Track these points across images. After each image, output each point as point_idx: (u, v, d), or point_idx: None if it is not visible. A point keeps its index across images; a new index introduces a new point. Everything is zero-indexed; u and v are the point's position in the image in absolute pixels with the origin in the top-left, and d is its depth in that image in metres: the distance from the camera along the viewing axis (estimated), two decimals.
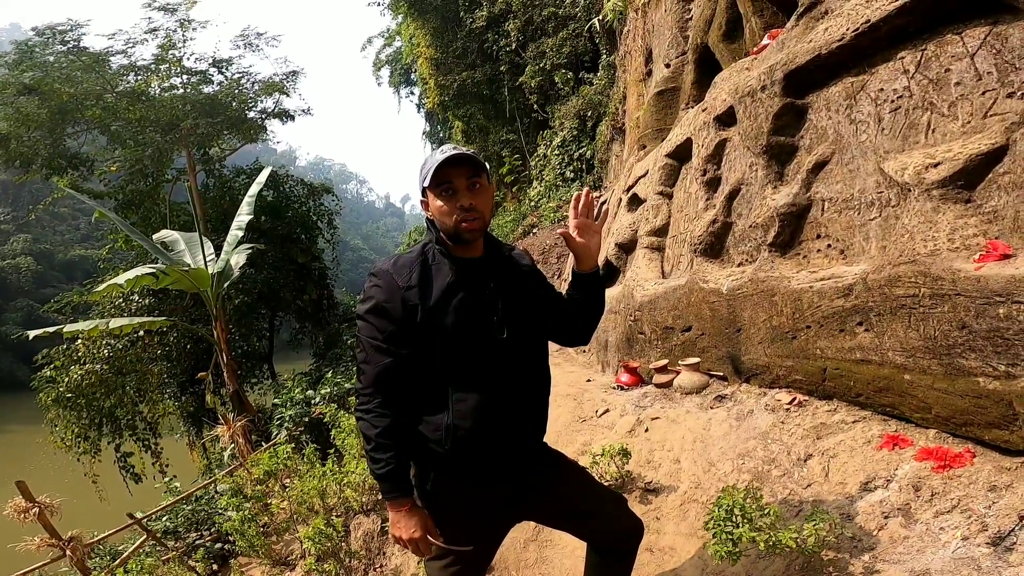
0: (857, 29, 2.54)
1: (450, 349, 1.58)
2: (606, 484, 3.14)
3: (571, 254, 1.82)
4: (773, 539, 1.87)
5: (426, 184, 1.59)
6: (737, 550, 1.91)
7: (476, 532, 1.68)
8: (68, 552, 4.16)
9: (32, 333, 8.15)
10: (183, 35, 13.19)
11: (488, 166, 1.66)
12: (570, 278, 1.82)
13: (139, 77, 13.32)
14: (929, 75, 2.30)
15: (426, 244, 1.65)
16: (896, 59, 2.45)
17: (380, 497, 4.05)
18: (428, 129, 32.58)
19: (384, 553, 3.69)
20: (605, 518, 1.81)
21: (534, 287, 1.78)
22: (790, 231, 3.04)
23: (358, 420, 1.61)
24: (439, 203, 1.58)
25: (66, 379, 11.46)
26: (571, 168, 16.33)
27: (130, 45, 13.08)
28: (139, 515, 4.96)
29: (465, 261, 1.63)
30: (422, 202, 1.66)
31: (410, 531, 1.60)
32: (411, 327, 1.55)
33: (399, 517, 1.61)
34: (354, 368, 1.62)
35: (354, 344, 1.79)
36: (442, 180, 1.56)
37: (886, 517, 2.01)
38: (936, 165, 2.15)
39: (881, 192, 2.47)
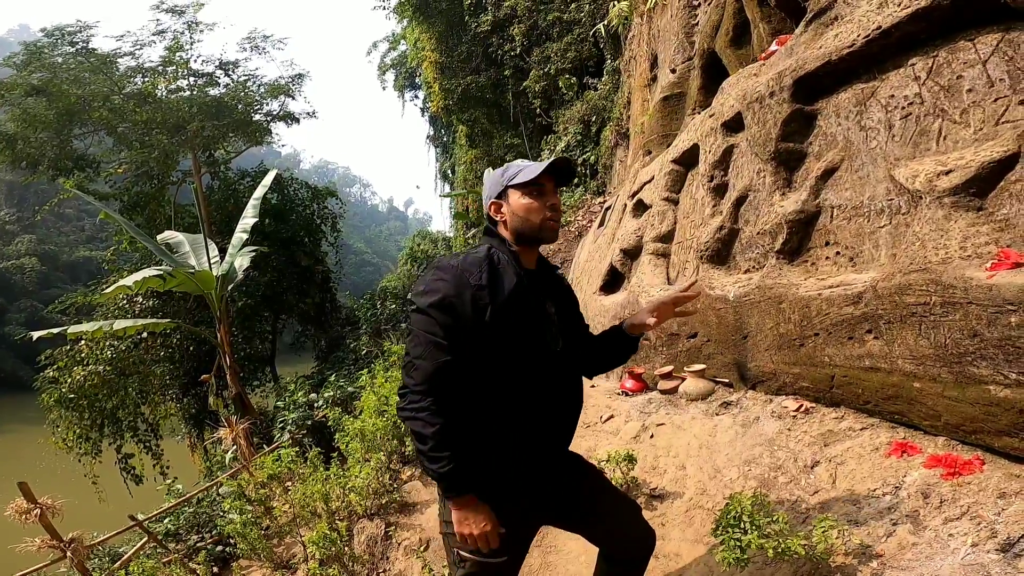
0: (868, 35, 2.55)
1: (509, 355, 1.57)
2: None
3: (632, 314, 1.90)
4: (782, 546, 1.86)
5: (518, 182, 1.64)
6: (745, 557, 1.90)
7: (511, 541, 1.67)
8: (69, 554, 4.14)
9: (36, 334, 8.13)
10: (190, 37, 13.25)
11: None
12: (613, 328, 1.91)
13: (146, 79, 13.36)
14: (941, 81, 2.30)
15: (490, 247, 1.66)
16: (907, 65, 2.45)
17: (384, 502, 4.06)
18: (432, 133, 32.66)
19: (387, 558, 3.68)
20: (621, 520, 1.82)
21: (574, 307, 1.86)
22: (798, 238, 3.04)
23: (408, 419, 1.55)
24: (527, 200, 1.63)
25: (69, 380, 11.45)
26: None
27: (138, 47, 13.12)
28: (140, 517, 4.95)
29: (528, 271, 1.67)
30: (494, 203, 1.70)
31: (480, 525, 1.57)
32: (477, 327, 1.53)
33: (466, 513, 1.58)
34: (399, 365, 1.63)
35: (406, 337, 1.75)
36: (538, 180, 1.62)
37: (894, 524, 2.00)
38: (948, 172, 2.15)
39: (891, 199, 2.47)
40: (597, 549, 1.92)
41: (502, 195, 1.68)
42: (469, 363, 1.54)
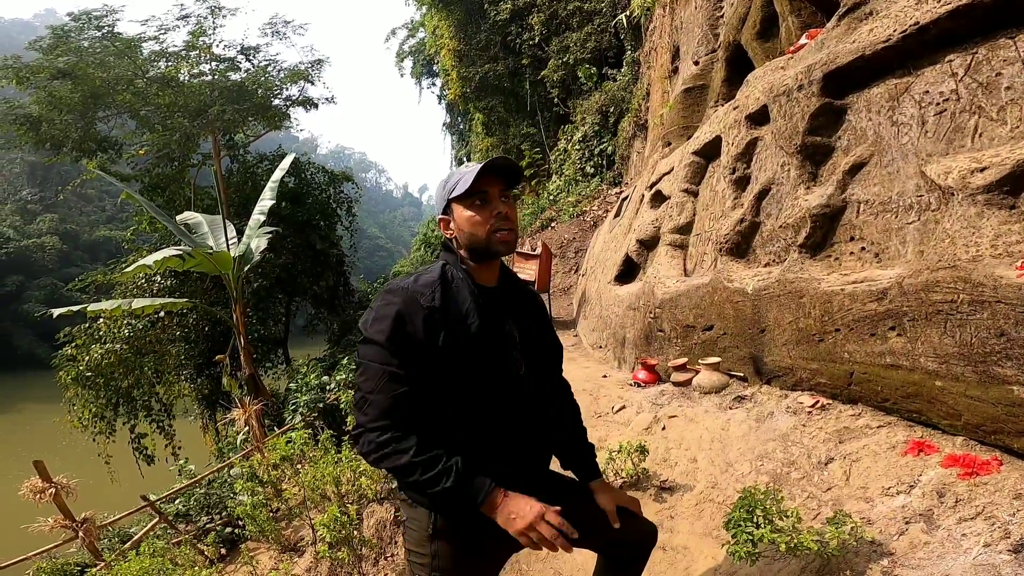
0: (905, 31, 2.50)
1: (466, 382, 1.45)
2: (622, 481, 3.12)
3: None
4: (795, 541, 1.84)
5: (457, 194, 1.47)
6: (756, 551, 1.89)
7: (482, 569, 1.60)
8: (81, 534, 4.16)
9: (56, 312, 8.24)
10: (213, 22, 13.32)
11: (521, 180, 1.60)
12: (584, 458, 1.83)
13: (169, 63, 13.48)
14: (979, 78, 2.25)
15: (445, 264, 1.53)
16: (944, 62, 2.40)
17: (394, 486, 4.07)
18: (448, 120, 32.65)
19: (396, 542, 3.71)
20: (613, 529, 1.71)
21: (543, 327, 1.74)
22: (822, 232, 2.99)
23: (377, 460, 1.36)
24: (470, 213, 1.47)
25: (86, 358, 11.61)
26: (591, 163, 16.29)
27: (162, 31, 13.24)
28: (152, 497, 5.01)
29: (485, 289, 1.54)
30: (442, 219, 1.56)
31: (537, 512, 1.35)
32: (430, 353, 1.39)
33: (512, 509, 1.35)
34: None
35: (355, 372, 1.55)
36: (477, 189, 1.45)
37: (907, 522, 1.98)
38: (982, 170, 2.10)
39: (921, 196, 2.43)
40: None
41: (447, 210, 1.52)
42: (426, 392, 1.41)
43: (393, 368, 1.37)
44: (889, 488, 2.19)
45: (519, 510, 1.35)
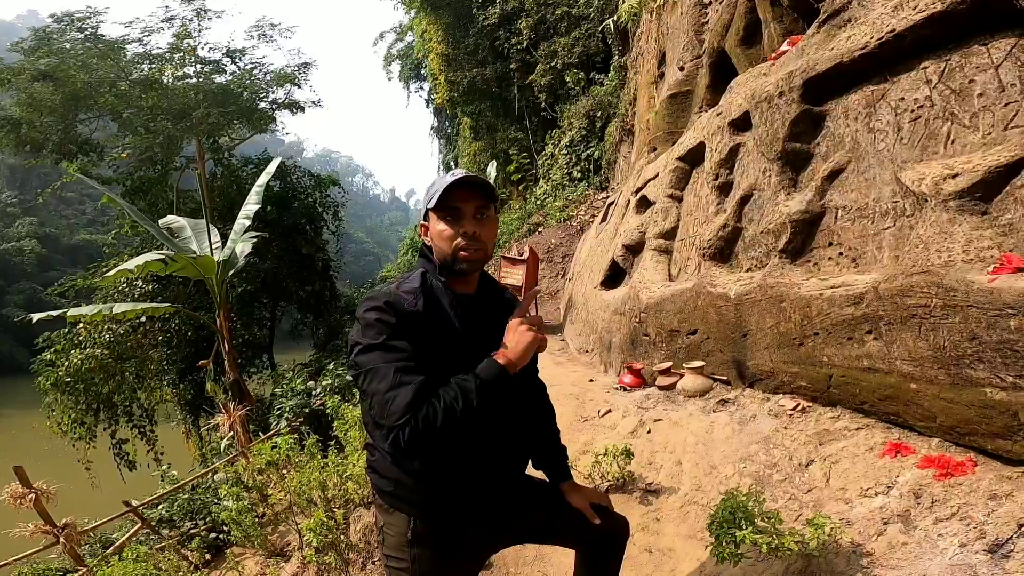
0: (882, 38, 2.55)
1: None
2: (608, 484, 3.15)
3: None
4: (776, 542, 1.87)
5: (431, 205, 1.48)
6: (739, 552, 1.92)
7: (462, 571, 1.63)
8: (62, 539, 4.13)
9: (35, 316, 8.09)
10: (198, 24, 13.20)
11: (499, 197, 1.59)
12: (556, 460, 1.88)
13: (153, 66, 13.33)
14: (952, 85, 2.31)
15: (424, 272, 1.54)
16: (919, 68, 2.45)
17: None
18: (436, 125, 32.62)
19: None
20: (586, 526, 1.76)
21: None
22: (802, 238, 3.05)
23: (425, 443, 1.32)
24: (441, 227, 1.48)
25: (66, 363, 11.43)
26: (578, 168, 16.35)
27: (146, 33, 13.08)
28: (134, 503, 4.96)
29: (463, 297, 1.55)
30: (422, 226, 1.57)
31: (517, 332, 1.44)
32: (418, 355, 1.41)
33: (509, 354, 1.42)
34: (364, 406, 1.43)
35: (359, 385, 1.54)
36: (450, 203, 1.46)
37: (885, 523, 2.02)
38: (954, 176, 2.15)
39: (897, 202, 2.48)
40: None
41: (427, 216, 1.53)
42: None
43: (403, 361, 1.36)
44: (867, 489, 2.24)
45: (515, 346, 1.43)
